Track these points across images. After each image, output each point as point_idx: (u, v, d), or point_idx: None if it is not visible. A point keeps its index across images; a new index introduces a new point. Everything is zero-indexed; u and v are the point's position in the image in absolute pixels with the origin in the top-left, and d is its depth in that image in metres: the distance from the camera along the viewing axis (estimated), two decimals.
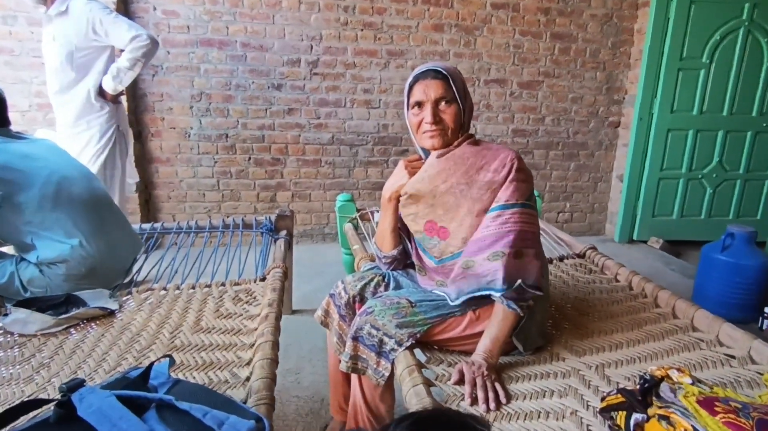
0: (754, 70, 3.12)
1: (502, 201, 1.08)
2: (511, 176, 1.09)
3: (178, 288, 1.57)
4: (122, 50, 2.17)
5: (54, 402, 0.71)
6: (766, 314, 2.14)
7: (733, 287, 2.26)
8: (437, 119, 1.11)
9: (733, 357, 1.12)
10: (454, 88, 1.11)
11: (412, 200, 1.19)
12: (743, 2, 2.99)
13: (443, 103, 1.11)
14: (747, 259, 2.24)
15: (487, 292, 1.06)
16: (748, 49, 3.08)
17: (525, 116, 3.33)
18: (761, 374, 1.02)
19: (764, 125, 3.19)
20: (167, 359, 0.93)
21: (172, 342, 1.23)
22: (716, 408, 0.67)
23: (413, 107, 1.14)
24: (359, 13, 3.01)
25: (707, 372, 1.06)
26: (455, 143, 1.15)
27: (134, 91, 2.94)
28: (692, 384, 0.84)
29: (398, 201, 1.24)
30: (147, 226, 1.99)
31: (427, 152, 1.21)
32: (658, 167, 3.28)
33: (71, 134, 2.23)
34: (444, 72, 1.11)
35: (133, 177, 2.62)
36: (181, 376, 1.07)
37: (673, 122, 3.21)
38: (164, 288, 1.57)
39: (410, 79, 1.15)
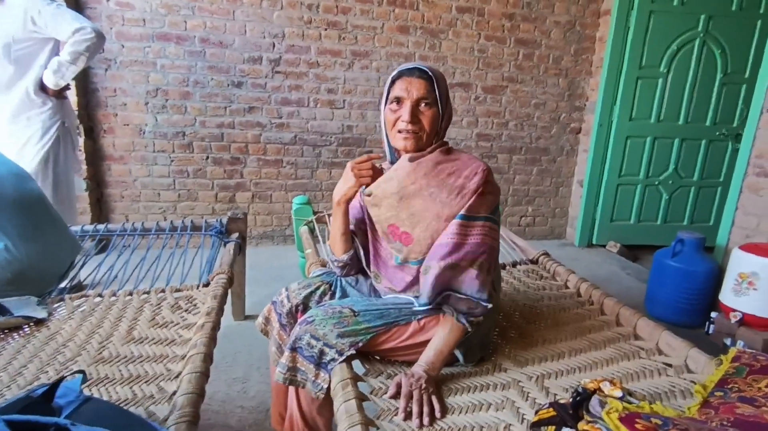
0: (709, 81, 3.22)
1: (466, 211, 1.06)
2: (479, 187, 1.07)
3: (114, 295, 1.49)
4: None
5: None
6: (712, 320, 2.20)
7: (682, 292, 2.32)
8: (415, 119, 1.07)
9: (670, 365, 1.13)
10: (437, 91, 1.08)
11: (374, 201, 1.15)
12: (699, 14, 3.08)
13: (423, 104, 1.08)
14: (696, 265, 2.30)
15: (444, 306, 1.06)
16: (703, 60, 3.18)
17: (489, 120, 3.35)
18: (695, 383, 1.03)
19: (717, 134, 3.30)
20: (80, 375, 0.87)
21: (100, 353, 1.16)
22: (637, 425, 0.66)
23: (392, 103, 1.10)
24: (323, 11, 2.96)
25: (644, 382, 1.07)
26: (428, 149, 1.12)
27: (85, 85, 2.80)
28: (622, 397, 0.83)
29: (347, 205, 1.20)
30: (89, 227, 1.88)
31: (394, 153, 1.17)
32: (617, 173, 3.36)
33: (10, 130, 2.10)
34: (429, 73, 1.08)
35: (78, 174, 2.48)
36: (102, 391, 1.01)
37: (632, 129, 3.28)
38: (100, 295, 1.49)
39: (394, 73, 1.11)
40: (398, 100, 1.08)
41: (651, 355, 1.18)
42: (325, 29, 2.99)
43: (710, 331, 2.22)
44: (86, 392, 0.99)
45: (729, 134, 3.28)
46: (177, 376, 1.05)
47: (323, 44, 3.01)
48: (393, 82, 1.10)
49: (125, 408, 0.94)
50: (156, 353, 1.16)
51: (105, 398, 0.98)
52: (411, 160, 1.11)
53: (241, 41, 2.92)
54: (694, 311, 2.33)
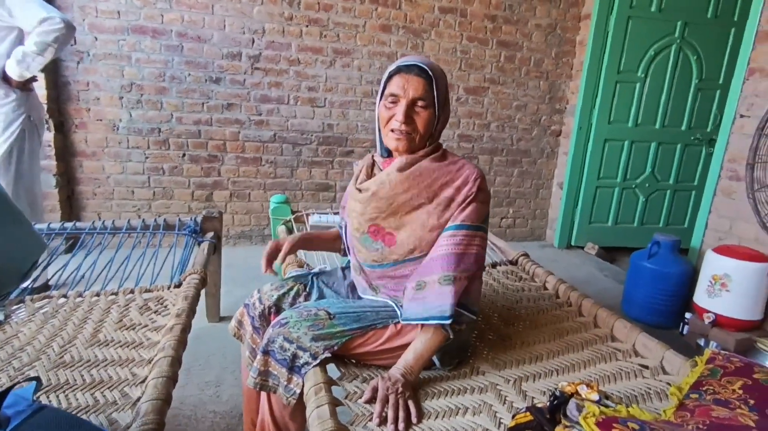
0: (684, 86, 3.29)
1: (459, 221, 1.03)
2: (471, 196, 1.04)
3: (80, 296, 1.43)
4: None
5: None
6: (686, 320, 2.24)
7: (658, 293, 2.35)
8: (409, 120, 1.03)
9: (646, 367, 1.13)
10: (435, 92, 1.03)
11: (362, 198, 1.11)
12: (675, 21, 3.14)
13: (419, 104, 1.03)
14: (671, 267, 2.34)
15: (437, 322, 0.99)
16: (680, 65, 3.24)
17: (471, 121, 3.36)
18: (671, 385, 1.03)
19: (692, 138, 3.37)
20: (34, 382, 0.82)
21: (61, 357, 1.10)
22: (614, 430, 0.65)
23: (387, 99, 1.05)
24: (305, 8, 2.92)
25: (621, 384, 1.06)
26: (420, 153, 1.08)
27: (56, 78, 2.70)
28: (599, 401, 0.82)
29: (296, 242, 1.23)
30: (56, 225, 1.80)
31: (385, 149, 1.13)
32: (596, 176, 3.40)
33: None
34: (429, 72, 1.02)
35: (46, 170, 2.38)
36: (61, 398, 0.95)
37: (610, 132, 3.33)
38: (64, 296, 1.43)
39: (392, 67, 1.05)
40: (394, 98, 1.04)
41: (627, 357, 1.18)
42: (307, 26, 2.95)
43: (684, 332, 2.26)
44: (43, 400, 0.94)
45: (703, 139, 3.36)
46: (143, 381, 1.00)
47: (304, 41, 2.97)
48: (390, 77, 1.05)
49: (84, 416, 0.90)
50: (122, 356, 1.11)
51: (63, 406, 0.93)
52: (401, 170, 1.06)
53: (219, 36, 2.86)
54: (669, 312, 2.36)
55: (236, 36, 2.87)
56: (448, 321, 0.98)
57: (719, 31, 3.19)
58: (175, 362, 1.03)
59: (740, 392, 0.94)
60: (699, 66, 3.24)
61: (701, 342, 2.12)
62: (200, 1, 2.79)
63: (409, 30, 3.10)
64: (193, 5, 2.78)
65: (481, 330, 1.30)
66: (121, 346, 1.16)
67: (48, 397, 0.95)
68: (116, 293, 1.44)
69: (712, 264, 2.12)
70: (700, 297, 2.18)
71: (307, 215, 2.14)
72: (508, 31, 3.25)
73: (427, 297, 1.01)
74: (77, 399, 0.95)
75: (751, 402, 0.90)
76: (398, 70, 1.04)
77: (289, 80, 3.00)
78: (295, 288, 1.24)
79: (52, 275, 1.71)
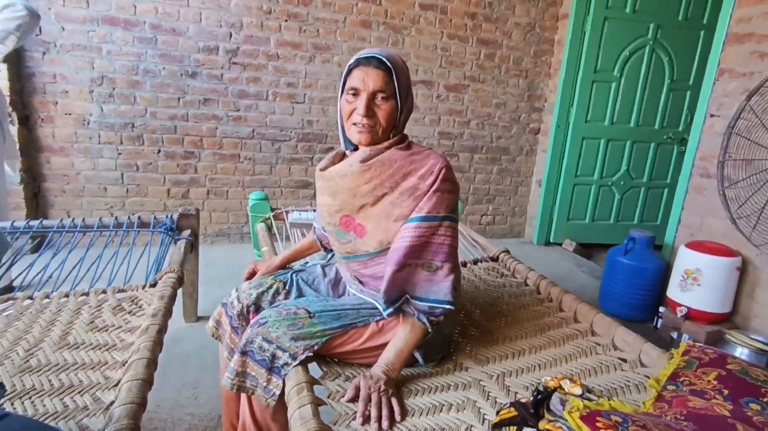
0: (657, 86, 3.37)
1: (424, 212, 1.00)
2: (436, 186, 1.01)
3: (47, 297, 1.37)
4: None
5: None
6: (660, 314, 2.30)
7: (634, 288, 2.40)
8: (370, 113, 1.01)
9: (625, 360, 1.14)
10: (396, 83, 1.01)
11: (329, 191, 1.09)
12: (649, 22, 3.21)
13: (380, 97, 1.01)
14: (646, 262, 2.39)
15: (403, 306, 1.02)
16: (653, 66, 3.32)
17: (451, 118, 3.36)
18: (649, 377, 1.05)
19: (665, 137, 3.46)
20: None
21: (26, 361, 1.05)
22: (597, 424, 0.65)
23: (348, 93, 1.03)
24: (284, 2, 2.87)
25: (601, 377, 1.08)
26: (385, 144, 1.05)
27: (19, 69, 2.58)
28: (581, 395, 0.83)
29: (283, 260, 1.34)
30: (21, 224, 1.72)
31: (350, 144, 1.11)
32: (573, 173, 3.45)
33: None
34: (388, 63, 1.00)
35: (13, 168, 2.27)
36: (27, 405, 0.91)
37: (587, 130, 3.39)
38: (30, 297, 1.36)
39: (351, 61, 1.03)
40: (354, 91, 1.02)
41: (607, 350, 1.19)
42: (286, 20, 2.90)
43: (658, 325, 2.31)
44: (7, 407, 0.89)
45: (675, 138, 3.45)
46: (116, 384, 0.97)
47: (283, 36, 2.92)
48: (350, 70, 1.03)
49: (53, 422, 0.86)
50: (93, 359, 1.07)
51: (30, 412, 0.88)
52: (363, 161, 1.04)
53: (195, 29, 2.78)
54: (644, 306, 2.42)
55: (213, 29, 2.80)
56: (391, 308, 1.01)
57: (690, 33, 3.28)
58: (151, 364, 1.00)
59: (715, 382, 0.96)
60: (671, 67, 3.33)
61: (674, 335, 2.18)
62: None
63: (389, 26, 3.08)
64: None
65: (464, 326, 1.30)
66: (92, 348, 1.11)
67: (12, 404, 0.90)
68: (87, 294, 1.39)
69: (685, 259, 2.18)
70: (673, 291, 2.24)
71: (287, 212, 2.10)
72: (487, 29, 3.26)
73: (385, 284, 1.01)
74: (45, 406, 0.91)
75: (726, 392, 0.92)
76: (357, 63, 1.02)
77: (267, 76, 2.95)
78: (275, 286, 1.21)
79: (16, 276, 1.63)
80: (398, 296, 1.02)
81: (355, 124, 1.03)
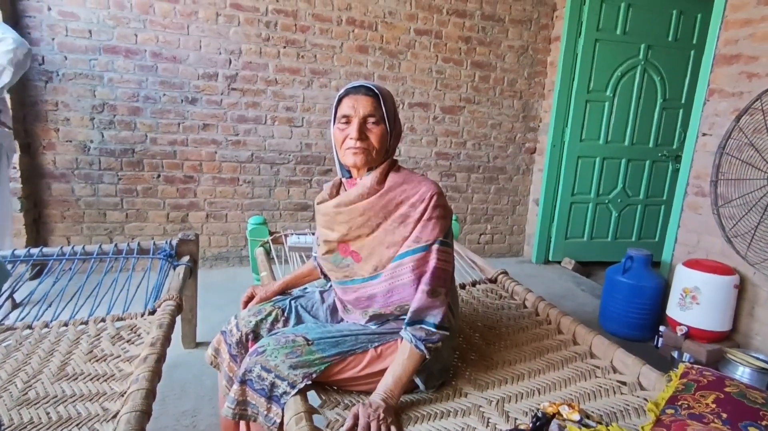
0: (650, 105, 3.43)
1: (422, 242, 1.05)
2: (428, 214, 1.06)
3: (46, 326, 1.37)
4: None
5: None
6: (660, 333, 2.29)
7: (633, 307, 2.40)
8: (363, 136, 1.06)
9: (624, 383, 1.14)
10: (384, 108, 1.08)
11: (326, 223, 1.15)
12: (639, 43, 3.28)
13: (371, 121, 1.07)
14: (644, 280, 2.39)
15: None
16: (645, 86, 3.38)
17: (448, 139, 3.41)
18: (648, 401, 1.04)
19: (659, 155, 3.50)
20: None
21: (25, 393, 1.05)
22: None
23: (340, 121, 1.08)
24: (282, 29, 2.94)
25: (600, 401, 1.07)
26: (379, 170, 1.10)
27: (22, 98, 2.63)
28: (579, 421, 0.82)
29: (282, 286, 1.36)
30: (21, 252, 1.73)
31: (345, 171, 1.15)
32: (570, 192, 3.48)
33: None
34: (375, 90, 1.07)
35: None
36: None
37: (582, 149, 3.43)
38: (29, 326, 1.37)
39: (341, 92, 1.10)
40: (346, 119, 1.08)
41: (606, 374, 1.19)
42: (284, 47, 2.96)
43: (659, 344, 2.30)
44: None
45: (669, 155, 3.49)
46: (114, 416, 0.96)
47: (281, 62, 2.98)
48: (340, 100, 1.09)
49: None
50: (92, 391, 1.07)
51: None
52: (356, 200, 1.10)
53: (195, 57, 2.84)
54: (644, 325, 2.41)
55: (212, 56, 2.86)
56: (407, 326, 1.04)
57: (680, 53, 3.35)
58: (150, 394, 0.99)
59: (713, 406, 0.96)
60: (663, 86, 3.39)
61: (675, 354, 2.16)
62: (175, 22, 2.77)
63: (385, 51, 3.14)
64: (167, 25, 2.77)
65: (463, 350, 1.30)
66: (91, 379, 1.11)
67: None
68: (86, 323, 1.39)
69: (683, 278, 2.19)
70: (672, 310, 2.24)
71: (286, 235, 2.11)
72: (482, 53, 3.33)
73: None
74: None
75: (724, 415, 0.92)
76: (347, 93, 1.09)
77: (266, 100, 3.00)
78: (273, 313, 1.22)
79: (21, 301, 1.63)
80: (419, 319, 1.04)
81: (349, 148, 1.08)
